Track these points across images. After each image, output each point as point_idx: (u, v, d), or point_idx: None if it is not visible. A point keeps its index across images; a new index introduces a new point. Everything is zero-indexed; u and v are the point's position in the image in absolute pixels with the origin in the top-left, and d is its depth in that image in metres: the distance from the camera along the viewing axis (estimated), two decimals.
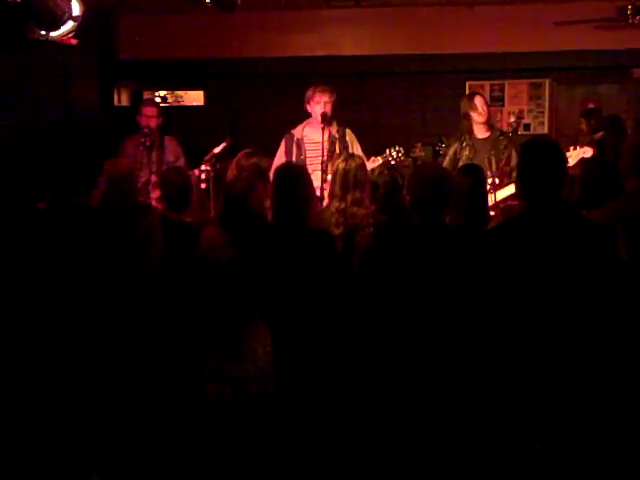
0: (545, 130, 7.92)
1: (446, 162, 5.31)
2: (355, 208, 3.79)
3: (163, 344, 2.05)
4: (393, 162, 5.08)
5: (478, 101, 5.34)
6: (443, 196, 3.19)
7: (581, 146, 4.96)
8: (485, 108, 5.34)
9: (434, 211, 3.16)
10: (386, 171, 5.29)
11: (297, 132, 5.26)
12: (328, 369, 2.89)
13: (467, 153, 5.26)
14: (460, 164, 5.17)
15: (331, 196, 3.92)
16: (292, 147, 5.23)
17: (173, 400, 1.48)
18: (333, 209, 3.83)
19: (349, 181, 3.82)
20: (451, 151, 5.35)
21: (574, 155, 4.80)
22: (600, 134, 6.17)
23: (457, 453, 2.82)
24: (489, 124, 5.37)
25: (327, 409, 2.79)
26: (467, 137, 5.34)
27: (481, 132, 5.35)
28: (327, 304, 3.06)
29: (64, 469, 2.30)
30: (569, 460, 2.60)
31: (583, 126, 6.92)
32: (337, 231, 3.77)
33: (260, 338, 1.55)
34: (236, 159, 4.60)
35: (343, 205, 3.80)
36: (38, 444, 2.46)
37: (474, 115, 5.31)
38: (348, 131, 5.27)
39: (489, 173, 5.06)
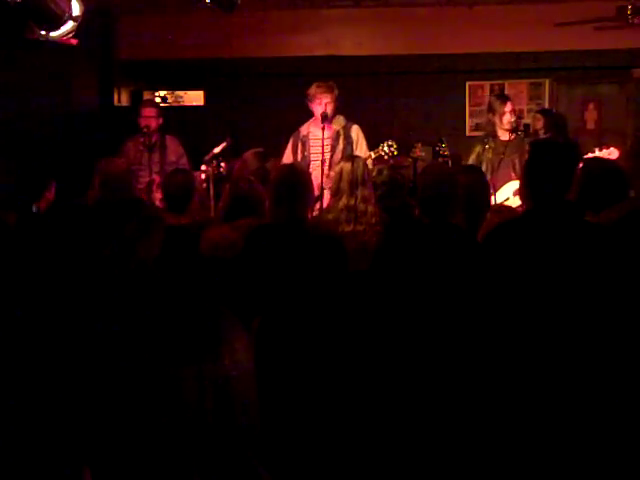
0: None
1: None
2: (363, 205, 3.81)
3: (143, 343, 2.05)
4: (386, 157, 5.09)
5: (509, 107, 5.34)
6: (450, 196, 3.20)
7: (607, 147, 4.95)
8: (514, 116, 5.34)
9: (441, 211, 3.17)
10: (386, 171, 5.29)
11: (303, 129, 5.31)
12: (330, 368, 2.89)
13: (490, 155, 5.25)
14: (484, 166, 5.19)
15: (336, 193, 3.93)
16: (298, 144, 5.28)
17: (153, 399, 1.48)
18: (342, 205, 3.84)
19: (357, 178, 3.84)
20: (474, 155, 5.36)
21: (600, 156, 4.79)
22: (549, 134, 6.21)
23: (457, 455, 2.82)
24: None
25: (325, 409, 2.79)
26: (490, 139, 5.34)
27: (505, 134, 5.35)
28: (331, 304, 3.05)
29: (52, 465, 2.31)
30: (569, 462, 2.60)
31: (540, 123, 6.94)
32: (347, 228, 3.78)
33: (241, 339, 1.54)
34: (243, 159, 4.62)
35: (353, 201, 3.81)
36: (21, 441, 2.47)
37: (504, 120, 5.31)
38: (355, 128, 5.28)
39: (513, 175, 5.07)
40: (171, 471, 1.41)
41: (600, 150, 4.89)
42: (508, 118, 5.32)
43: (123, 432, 1.72)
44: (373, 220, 3.80)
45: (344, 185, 3.85)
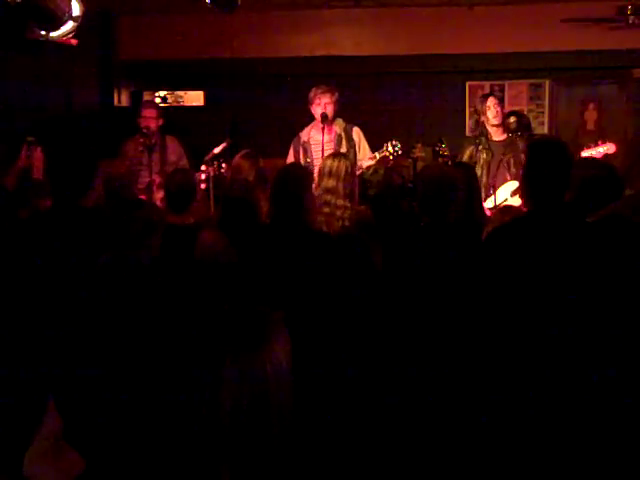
0: (545, 130, 7.91)
1: None
2: (328, 196, 3.79)
3: (163, 345, 2.05)
4: (391, 157, 5.08)
5: (491, 102, 5.34)
6: (449, 196, 3.20)
7: (604, 143, 4.92)
8: (499, 109, 5.35)
9: (440, 211, 3.17)
10: (381, 171, 5.29)
11: (304, 135, 5.29)
12: (334, 370, 2.89)
13: (484, 156, 5.24)
14: (478, 168, 5.18)
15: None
16: (299, 150, 5.26)
17: (184, 401, 1.49)
18: None
19: (324, 171, 3.85)
20: (466, 155, 5.35)
21: (595, 153, 4.77)
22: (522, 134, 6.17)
23: (458, 453, 2.82)
24: (505, 126, 5.35)
25: (340, 411, 2.79)
26: (483, 140, 5.34)
27: (497, 134, 5.35)
28: (334, 304, 3.06)
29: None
30: (566, 463, 2.60)
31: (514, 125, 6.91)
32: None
33: (283, 345, 1.54)
34: (233, 160, 4.61)
35: (317, 191, 3.81)
36: None
37: (489, 116, 5.31)
38: (356, 130, 5.27)
39: (508, 176, 5.07)
40: (201, 463, 1.41)
41: (597, 146, 4.88)
42: (493, 112, 5.32)
43: (162, 421, 1.71)
44: (339, 213, 3.78)
45: (316, 177, 3.90)
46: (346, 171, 3.86)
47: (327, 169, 3.85)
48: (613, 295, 2.67)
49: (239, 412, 1.42)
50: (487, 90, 8.02)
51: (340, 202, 3.79)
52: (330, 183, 3.82)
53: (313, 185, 4.69)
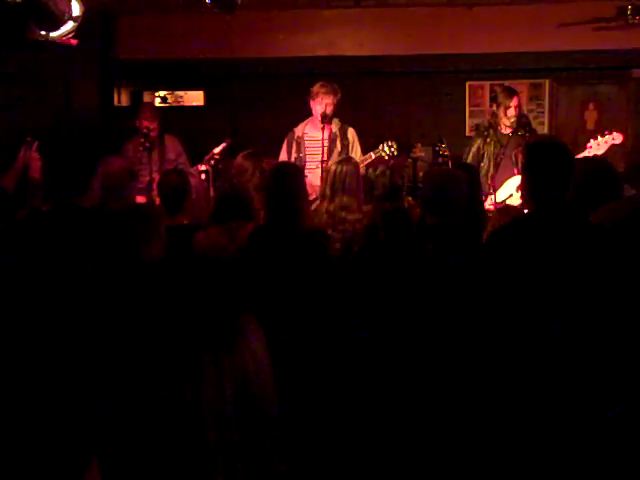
0: (545, 130, 7.90)
1: (469, 158, 5.28)
2: (343, 213, 3.78)
3: (157, 340, 2.06)
4: (387, 157, 5.09)
5: (515, 102, 5.29)
6: (456, 196, 3.21)
7: (610, 133, 4.89)
8: (518, 112, 5.30)
9: (445, 211, 3.17)
10: (388, 171, 5.30)
11: (298, 130, 5.31)
12: (321, 369, 2.89)
13: (493, 149, 5.21)
14: (485, 160, 5.16)
15: (322, 196, 3.94)
16: (292, 145, 5.28)
17: (170, 396, 1.49)
18: (323, 209, 3.84)
19: (339, 184, 3.83)
20: (474, 147, 5.32)
21: (602, 142, 4.74)
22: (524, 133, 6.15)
23: (455, 456, 2.82)
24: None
25: (321, 410, 2.79)
26: (491, 132, 5.31)
27: (505, 128, 5.33)
28: (320, 303, 3.06)
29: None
30: (566, 465, 2.60)
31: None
32: (329, 231, 3.78)
33: (257, 336, 1.56)
34: (236, 161, 4.61)
35: (332, 207, 3.80)
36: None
37: (509, 114, 5.26)
38: (350, 130, 5.30)
39: (515, 170, 5.04)
40: (195, 461, 1.42)
41: (603, 136, 4.85)
42: (512, 112, 5.28)
43: (147, 420, 1.72)
44: (350, 228, 3.76)
45: (327, 189, 3.86)
46: (358, 183, 3.86)
47: (341, 183, 3.80)
48: (616, 296, 2.66)
49: (223, 403, 1.44)
50: (487, 90, 8.03)
51: (354, 216, 3.78)
52: (344, 200, 3.79)
53: (311, 186, 4.69)
